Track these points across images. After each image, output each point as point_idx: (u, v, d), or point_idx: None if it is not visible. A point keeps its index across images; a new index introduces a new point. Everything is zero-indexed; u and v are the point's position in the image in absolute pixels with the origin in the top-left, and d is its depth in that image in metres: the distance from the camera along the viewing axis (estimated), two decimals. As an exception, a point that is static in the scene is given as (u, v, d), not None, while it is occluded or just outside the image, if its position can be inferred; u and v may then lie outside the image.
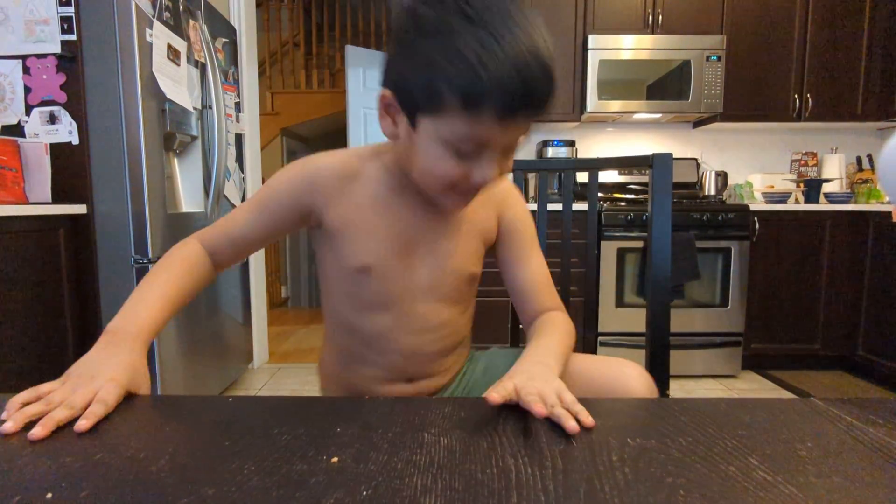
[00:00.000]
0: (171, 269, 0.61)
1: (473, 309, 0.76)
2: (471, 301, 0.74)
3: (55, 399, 0.43)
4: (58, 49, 1.55)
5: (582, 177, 2.81)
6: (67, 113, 1.58)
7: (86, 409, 0.42)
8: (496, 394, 0.44)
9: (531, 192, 2.75)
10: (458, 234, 0.67)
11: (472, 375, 0.78)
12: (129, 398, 0.47)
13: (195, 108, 1.89)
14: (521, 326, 0.78)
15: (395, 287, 0.65)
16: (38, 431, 0.38)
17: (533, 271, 0.72)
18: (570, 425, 0.41)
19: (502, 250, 0.73)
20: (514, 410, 0.45)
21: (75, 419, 0.41)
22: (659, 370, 0.86)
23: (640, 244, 2.42)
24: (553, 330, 0.66)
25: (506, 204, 0.72)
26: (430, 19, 0.48)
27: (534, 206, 1.00)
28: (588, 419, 0.43)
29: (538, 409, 0.43)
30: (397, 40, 0.53)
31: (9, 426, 0.39)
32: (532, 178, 2.59)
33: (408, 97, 0.53)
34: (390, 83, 0.55)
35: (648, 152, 0.88)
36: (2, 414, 0.41)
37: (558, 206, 1.08)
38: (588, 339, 1.00)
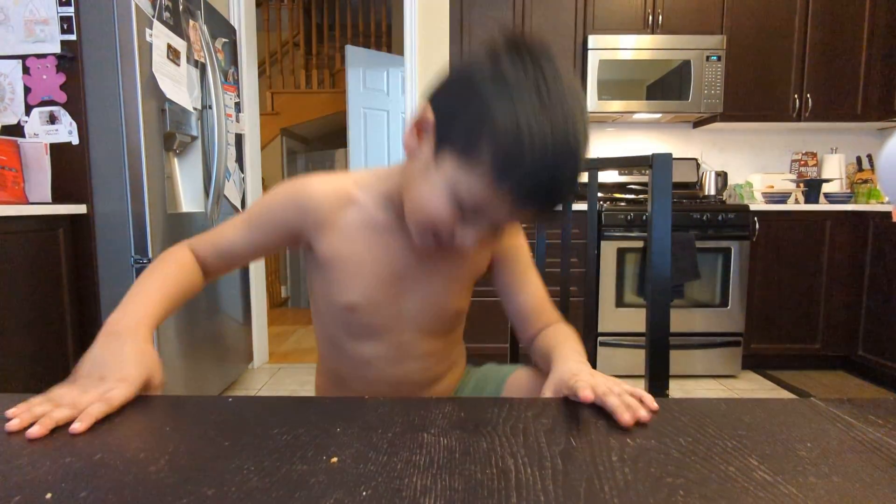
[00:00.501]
0: (165, 269, 0.61)
1: (461, 333, 0.76)
2: (458, 330, 0.75)
3: (64, 400, 0.43)
4: (58, 49, 1.55)
5: (582, 176, 2.80)
6: (67, 113, 1.58)
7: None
8: (589, 391, 0.45)
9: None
10: (447, 272, 0.67)
11: (464, 391, 0.78)
12: (137, 399, 0.46)
13: (195, 109, 1.89)
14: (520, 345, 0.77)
15: (381, 320, 0.65)
16: (35, 430, 0.38)
17: (531, 294, 0.72)
18: (625, 419, 0.41)
19: (498, 277, 0.73)
20: (514, 410, 0.45)
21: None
22: (659, 370, 0.86)
23: (640, 244, 2.42)
24: (567, 340, 0.65)
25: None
26: (508, 74, 0.47)
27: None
28: (651, 404, 0.44)
29: (586, 394, 0.43)
30: (467, 73, 0.51)
31: (15, 423, 0.39)
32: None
33: (447, 128, 0.51)
34: (437, 105, 0.53)
35: (648, 152, 0.88)
36: (9, 412, 0.41)
37: (557, 207, 1.08)
38: (588, 339, 1.00)
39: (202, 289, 0.67)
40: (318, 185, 0.63)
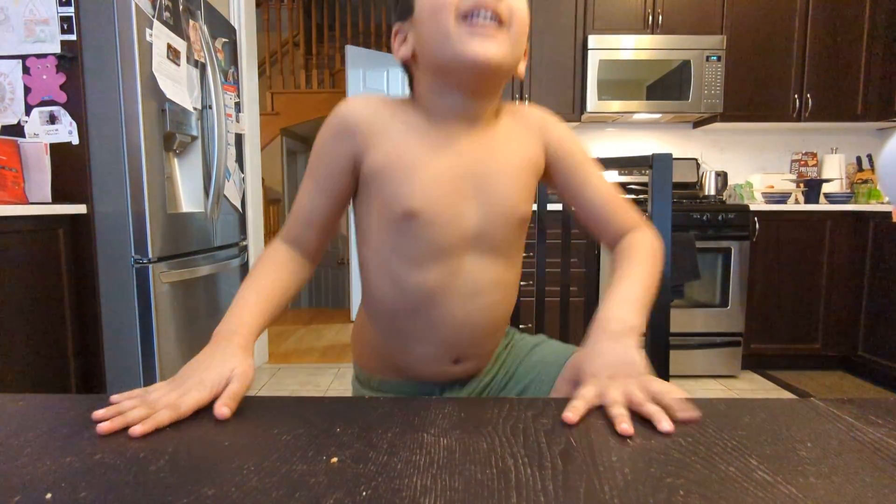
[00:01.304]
0: (262, 271, 0.62)
1: (520, 272, 0.71)
2: (519, 258, 0.69)
3: (150, 398, 0.43)
4: (58, 49, 1.55)
5: None
6: (67, 113, 1.58)
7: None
8: (572, 413, 0.42)
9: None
10: (507, 172, 0.63)
11: (515, 361, 0.73)
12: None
13: (195, 109, 1.89)
14: (601, 247, 0.74)
15: (443, 235, 0.60)
16: (105, 426, 0.39)
17: (598, 189, 0.68)
18: (663, 426, 0.40)
19: (558, 177, 0.69)
20: (514, 410, 0.45)
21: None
22: (659, 370, 0.86)
23: (640, 244, 2.42)
24: (634, 262, 0.63)
25: (546, 128, 0.68)
26: None
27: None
28: (682, 413, 0.42)
29: (567, 416, 0.42)
30: None
31: (105, 426, 0.39)
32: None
33: (402, 5, 0.60)
34: (394, 18, 0.63)
35: (648, 152, 0.88)
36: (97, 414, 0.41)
37: (558, 206, 1.08)
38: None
39: (311, 273, 0.67)
40: (359, 101, 0.63)
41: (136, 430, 0.39)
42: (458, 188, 0.61)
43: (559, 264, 0.95)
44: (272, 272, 0.62)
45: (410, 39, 0.60)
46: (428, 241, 0.60)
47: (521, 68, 0.62)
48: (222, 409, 0.42)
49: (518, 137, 0.66)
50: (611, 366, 0.50)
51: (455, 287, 0.62)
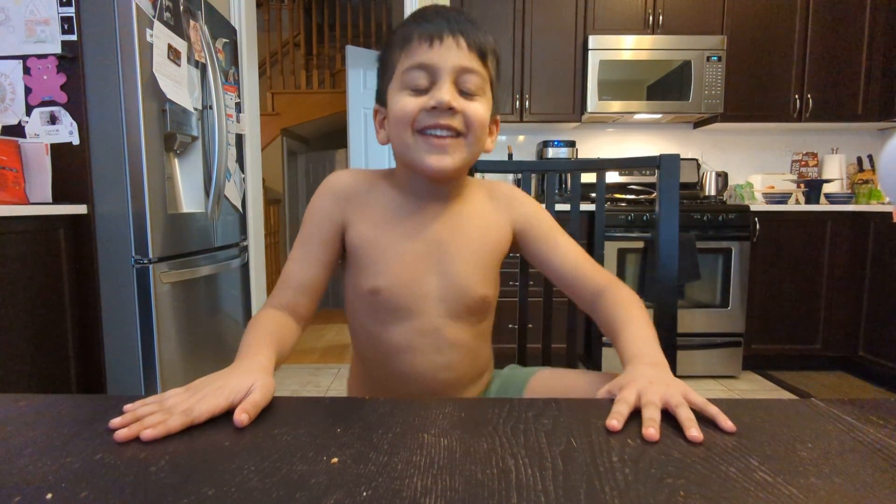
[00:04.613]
0: (261, 326, 0.61)
1: (490, 335, 0.75)
2: (487, 325, 0.73)
3: (167, 404, 0.43)
4: (58, 49, 1.55)
5: (584, 177, 2.81)
6: (68, 113, 1.58)
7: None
8: (616, 421, 0.41)
9: (531, 193, 2.75)
10: (467, 255, 0.68)
11: (488, 395, 0.77)
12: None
13: (195, 109, 1.89)
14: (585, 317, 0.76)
15: (406, 302, 0.66)
16: (123, 433, 0.39)
17: (566, 255, 0.71)
18: (692, 433, 0.39)
19: (528, 248, 0.73)
20: (515, 411, 0.45)
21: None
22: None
23: (640, 244, 2.42)
24: (630, 309, 0.64)
25: (513, 205, 0.72)
26: (386, 44, 0.66)
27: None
28: (726, 423, 0.41)
29: (611, 423, 0.41)
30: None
31: (123, 433, 0.39)
32: (532, 178, 2.58)
33: (381, 88, 0.66)
34: (376, 98, 0.69)
35: (649, 153, 0.88)
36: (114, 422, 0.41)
37: (561, 207, 1.08)
38: (589, 339, 1.00)
39: (301, 333, 0.68)
40: (347, 173, 0.70)
41: (147, 434, 0.39)
42: (420, 265, 0.67)
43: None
44: (276, 330, 0.62)
45: (387, 124, 0.66)
46: (392, 309, 0.66)
47: (490, 145, 0.68)
48: (242, 416, 0.41)
49: (485, 215, 0.71)
50: (648, 376, 0.49)
51: (419, 346, 0.67)
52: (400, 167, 0.68)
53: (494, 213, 0.71)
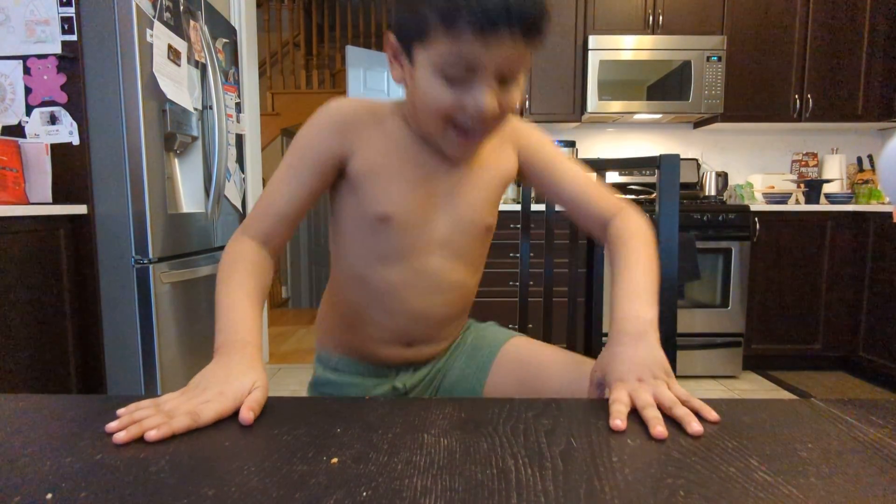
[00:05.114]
0: (242, 274, 0.59)
1: (481, 275, 0.75)
2: (481, 263, 0.73)
3: (165, 407, 0.42)
4: (58, 49, 1.55)
5: None
6: (68, 113, 1.58)
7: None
8: (620, 421, 0.42)
9: (531, 193, 2.75)
10: (478, 184, 0.67)
11: (462, 346, 0.78)
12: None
13: (196, 109, 1.89)
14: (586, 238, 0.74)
15: (412, 238, 0.64)
16: (121, 436, 0.38)
17: (574, 179, 0.70)
18: (694, 428, 0.40)
19: (535, 176, 0.72)
20: (515, 411, 0.45)
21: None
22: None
23: (640, 244, 2.41)
24: (630, 249, 0.63)
25: (519, 136, 0.71)
26: None
27: (538, 207, 0.99)
28: (711, 414, 0.43)
29: (615, 424, 0.41)
30: None
31: (122, 436, 0.38)
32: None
33: (404, 34, 0.56)
34: (393, 27, 0.58)
35: (649, 153, 0.88)
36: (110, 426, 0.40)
37: (560, 207, 1.07)
38: (590, 339, 1.00)
39: (274, 269, 0.66)
40: (352, 102, 0.64)
41: (152, 434, 0.38)
42: (430, 197, 0.65)
43: (560, 264, 0.95)
44: (255, 275, 0.60)
45: (406, 72, 0.59)
46: (397, 243, 0.64)
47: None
48: (248, 414, 0.42)
49: (491, 147, 0.68)
50: (637, 368, 0.50)
51: (416, 284, 0.66)
52: (410, 108, 0.63)
53: (501, 142, 0.70)
